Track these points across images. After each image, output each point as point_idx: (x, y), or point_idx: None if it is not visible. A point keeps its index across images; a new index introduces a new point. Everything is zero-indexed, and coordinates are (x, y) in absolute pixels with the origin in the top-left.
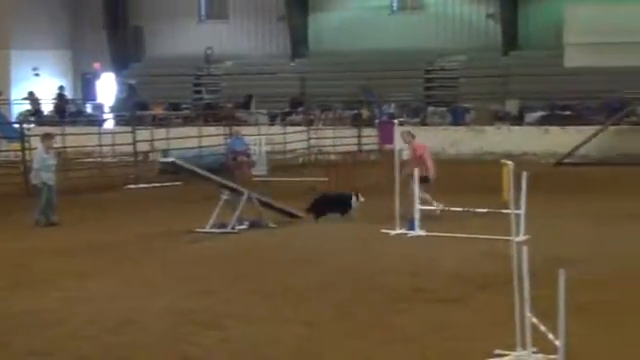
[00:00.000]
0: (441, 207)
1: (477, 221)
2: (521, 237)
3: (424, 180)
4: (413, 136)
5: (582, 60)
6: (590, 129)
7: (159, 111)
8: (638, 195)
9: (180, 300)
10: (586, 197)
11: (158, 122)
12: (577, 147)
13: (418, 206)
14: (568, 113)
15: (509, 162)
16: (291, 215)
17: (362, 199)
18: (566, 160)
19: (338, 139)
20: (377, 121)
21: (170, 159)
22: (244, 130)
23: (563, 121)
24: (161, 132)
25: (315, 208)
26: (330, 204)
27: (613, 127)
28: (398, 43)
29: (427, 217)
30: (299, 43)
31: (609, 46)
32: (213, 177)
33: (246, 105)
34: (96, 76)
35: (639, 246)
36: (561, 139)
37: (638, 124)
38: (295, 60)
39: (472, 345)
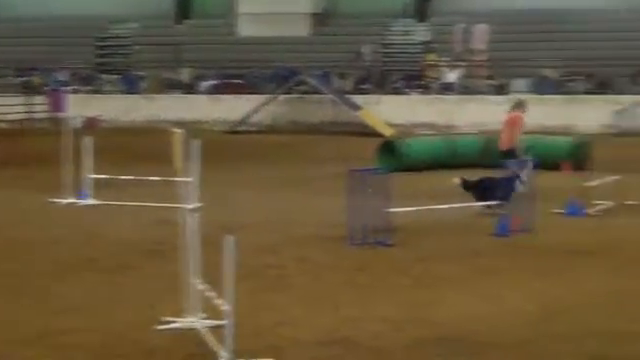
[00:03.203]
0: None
1: (150, 189)
2: (193, 205)
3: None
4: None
5: (255, 29)
6: (261, 97)
7: None
8: (307, 162)
9: None
10: (258, 164)
11: None
12: (249, 115)
13: (89, 175)
14: (240, 82)
15: (179, 130)
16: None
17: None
18: (238, 128)
19: (6, 107)
20: (47, 89)
21: None
22: None
23: (235, 89)
24: None
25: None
26: (491, 188)
27: (283, 96)
28: (68, 9)
29: (99, 185)
30: None
31: (279, 16)
32: None
33: None
34: None
35: (308, 211)
36: (233, 107)
37: (307, 93)
38: None
39: (141, 313)
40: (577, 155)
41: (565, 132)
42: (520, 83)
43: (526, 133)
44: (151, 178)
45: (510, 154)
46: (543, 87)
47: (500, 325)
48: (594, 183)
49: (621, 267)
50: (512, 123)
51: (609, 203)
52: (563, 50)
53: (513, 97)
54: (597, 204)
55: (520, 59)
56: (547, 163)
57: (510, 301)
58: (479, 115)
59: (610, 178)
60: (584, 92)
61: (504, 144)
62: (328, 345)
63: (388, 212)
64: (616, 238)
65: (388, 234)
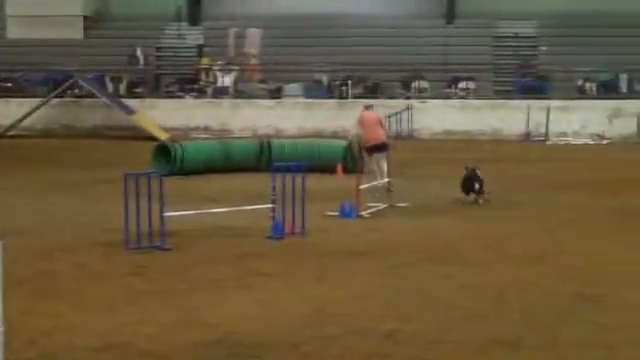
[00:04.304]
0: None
1: None
2: None
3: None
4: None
5: (24, 32)
6: (33, 101)
7: None
8: (81, 166)
9: None
10: (31, 169)
11: None
12: (20, 119)
13: None
14: (10, 85)
15: None
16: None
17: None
18: (9, 133)
19: None
20: None
21: None
22: None
23: (5, 93)
24: None
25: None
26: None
27: (56, 99)
28: None
29: None
30: None
31: (50, 18)
32: None
33: None
34: None
35: (83, 216)
36: (3, 111)
37: (81, 96)
38: None
39: None
40: (349, 158)
41: (337, 136)
42: (293, 87)
43: (301, 137)
44: None
45: (386, 146)
46: (315, 91)
47: (275, 327)
48: (366, 185)
49: (389, 268)
50: (378, 121)
51: (381, 205)
52: (335, 55)
53: (366, 102)
54: (369, 206)
55: (293, 63)
56: (323, 166)
57: (284, 303)
58: (253, 119)
59: (381, 181)
60: (355, 97)
61: (379, 138)
62: (103, 350)
63: (164, 216)
64: (386, 239)
65: (164, 238)
